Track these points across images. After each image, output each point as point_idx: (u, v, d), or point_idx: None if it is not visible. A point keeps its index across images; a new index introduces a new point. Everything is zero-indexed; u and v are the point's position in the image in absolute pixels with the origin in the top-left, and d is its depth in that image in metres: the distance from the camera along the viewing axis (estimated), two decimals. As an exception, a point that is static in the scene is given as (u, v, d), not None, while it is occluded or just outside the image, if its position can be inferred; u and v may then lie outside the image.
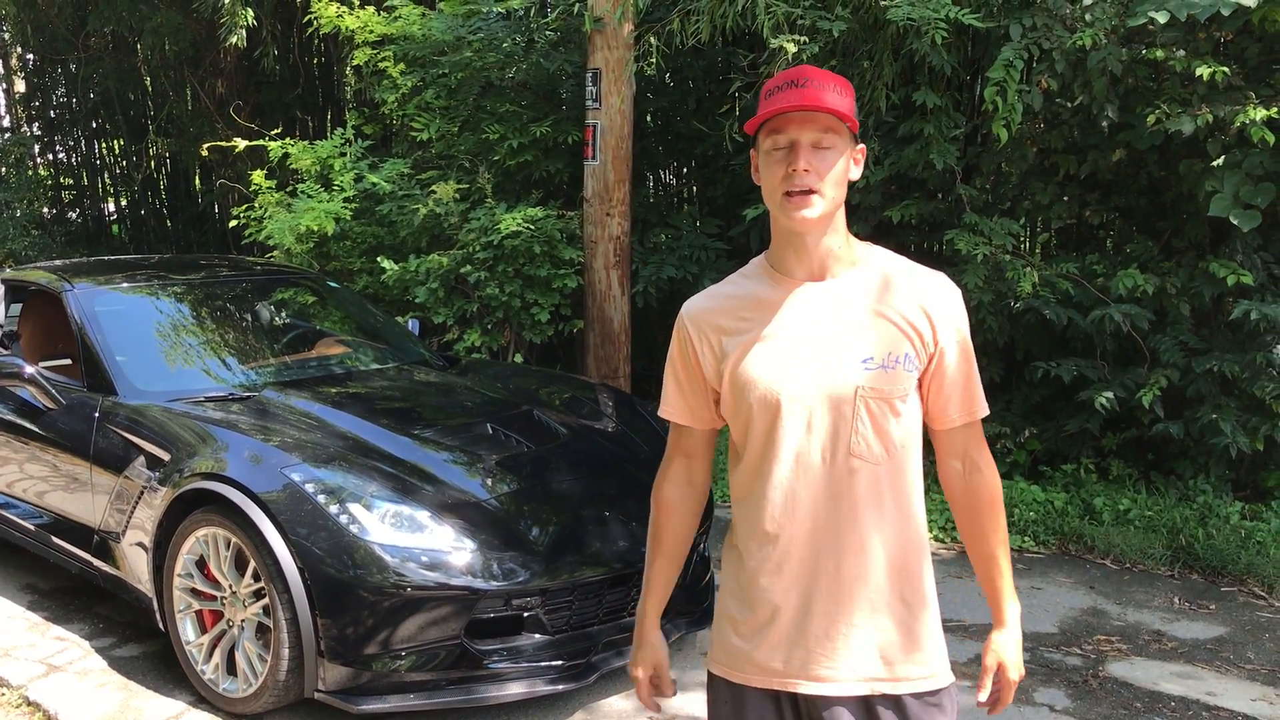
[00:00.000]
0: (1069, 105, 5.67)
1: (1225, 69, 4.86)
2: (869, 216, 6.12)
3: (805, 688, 1.92)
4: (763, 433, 1.92)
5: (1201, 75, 4.88)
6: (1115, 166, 5.75)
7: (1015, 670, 2.00)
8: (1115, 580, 5.04)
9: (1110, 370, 5.68)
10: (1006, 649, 2.00)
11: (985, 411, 1.99)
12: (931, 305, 1.90)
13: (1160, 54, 5.05)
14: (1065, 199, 6.00)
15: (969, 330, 1.97)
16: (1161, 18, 4.81)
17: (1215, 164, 5.04)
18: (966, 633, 4.34)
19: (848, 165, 1.90)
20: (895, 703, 1.91)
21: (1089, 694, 3.93)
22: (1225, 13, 4.70)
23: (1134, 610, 4.71)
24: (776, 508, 1.92)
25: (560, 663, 3.60)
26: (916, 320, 1.89)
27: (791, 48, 5.28)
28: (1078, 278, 5.66)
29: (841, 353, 1.88)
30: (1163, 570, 5.15)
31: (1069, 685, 4.00)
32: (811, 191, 1.84)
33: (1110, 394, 5.48)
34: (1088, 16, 5.15)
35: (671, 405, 2.08)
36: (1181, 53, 5.06)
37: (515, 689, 3.54)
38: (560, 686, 3.58)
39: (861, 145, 1.96)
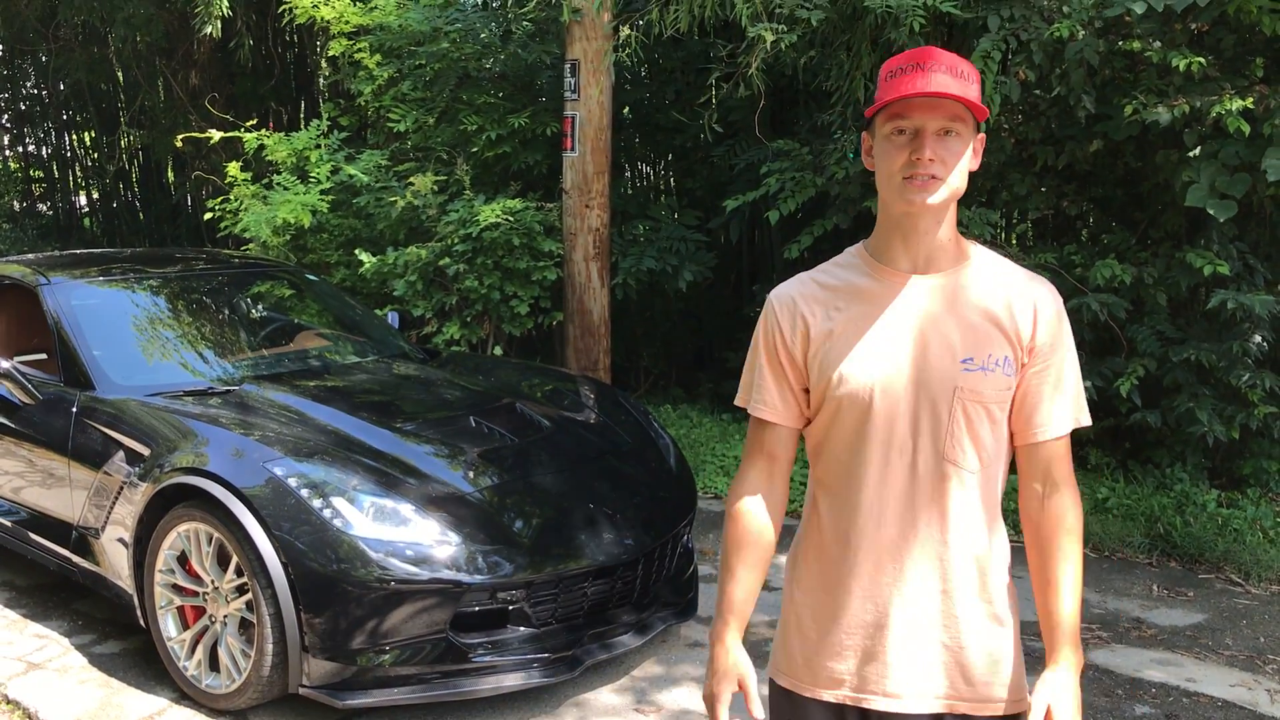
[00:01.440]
0: (1046, 96, 5.69)
1: (1201, 60, 4.89)
2: (848, 207, 6.14)
3: (878, 704, 1.84)
4: (850, 432, 1.83)
5: (1178, 66, 4.90)
6: (1092, 157, 5.78)
7: (1066, 713, 1.78)
8: (1094, 569, 5.07)
9: (1088, 359, 5.70)
10: (1059, 691, 1.78)
11: (1070, 427, 1.85)
12: (1035, 310, 1.81)
13: (1137, 45, 5.07)
14: (1043, 189, 6.02)
15: (1072, 339, 1.87)
16: (1139, 9, 4.84)
17: (1191, 154, 5.07)
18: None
19: (970, 154, 1.80)
20: None
21: (1070, 681, 3.96)
22: (1201, 4, 4.73)
23: (1114, 598, 4.74)
24: (860, 512, 1.82)
25: (546, 655, 3.59)
26: (1019, 323, 1.80)
27: (770, 36, 5.28)
28: (1056, 267, 5.69)
29: (941, 351, 1.79)
30: (1141, 558, 5.19)
31: (1051, 673, 4.02)
32: (934, 178, 1.75)
33: (1088, 383, 5.51)
34: (1065, 8, 5.17)
35: (755, 398, 1.93)
36: (1158, 44, 5.09)
37: (501, 682, 3.53)
38: (547, 679, 3.58)
39: (982, 134, 1.85)
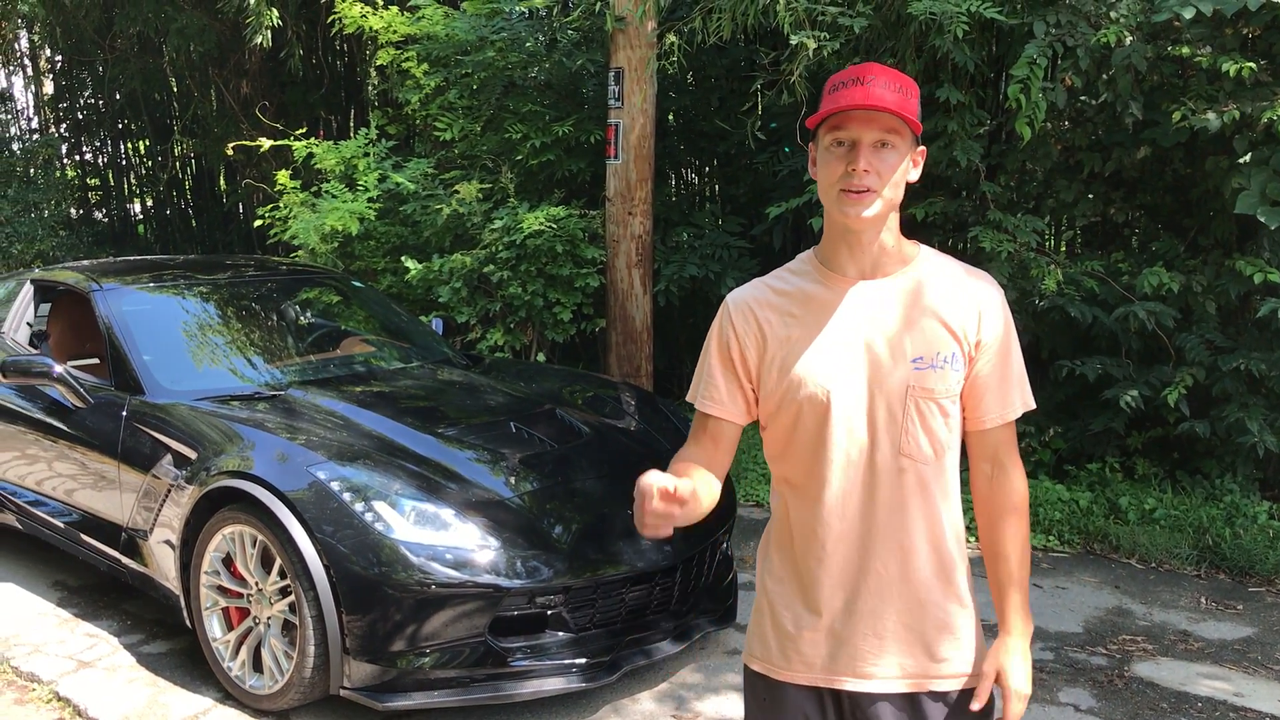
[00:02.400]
0: (1093, 102, 5.63)
1: (1252, 65, 4.82)
2: (892, 214, 6.10)
3: (850, 684, 1.93)
4: (811, 431, 1.91)
5: (1228, 71, 4.84)
6: (1140, 164, 5.71)
7: (1017, 679, 1.93)
8: (1141, 580, 5.01)
9: (1135, 369, 5.65)
10: (1009, 656, 1.95)
11: (1019, 412, 1.96)
12: (979, 306, 1.91)
13: (1186, 50, 5.01)
14: (1090, 196, 5.96)
15: (1014, 329, 1.96)
16: (1187, 13, 4.78)
17: (1242, 161, 5.00)
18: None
19: (907, 166, 1.88)
20: (941, 697, 1.92)
21: (1114, 694, 3.91)
22: (1252, 8, 4.66)
23: (1160, 610, 4.68)
24: (824, 507, 1.91)
25: (584, 660, 3.61)
26: (964, 320, 1.89)
27: (812, 44, 5.27)
28: (1102, 275, 5.63)
29: (892, 352, 1.88)
30: (1189, 570, 5.11)
31: (1094, 685, 3.98)
32: (870, 191, 1.82)
33: (1135, 392, 5.44)
34: (1112, 13, 5.12)
35: (703, 394, 2.02)
36: (1208, 49, 5.02)
37: (540, 686, 3.55)
38: (584, 684, 3.59)
39: (922, 147, 1.93)
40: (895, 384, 1.87)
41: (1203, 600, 4.79)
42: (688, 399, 2.07)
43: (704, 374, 2.03)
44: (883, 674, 1.92)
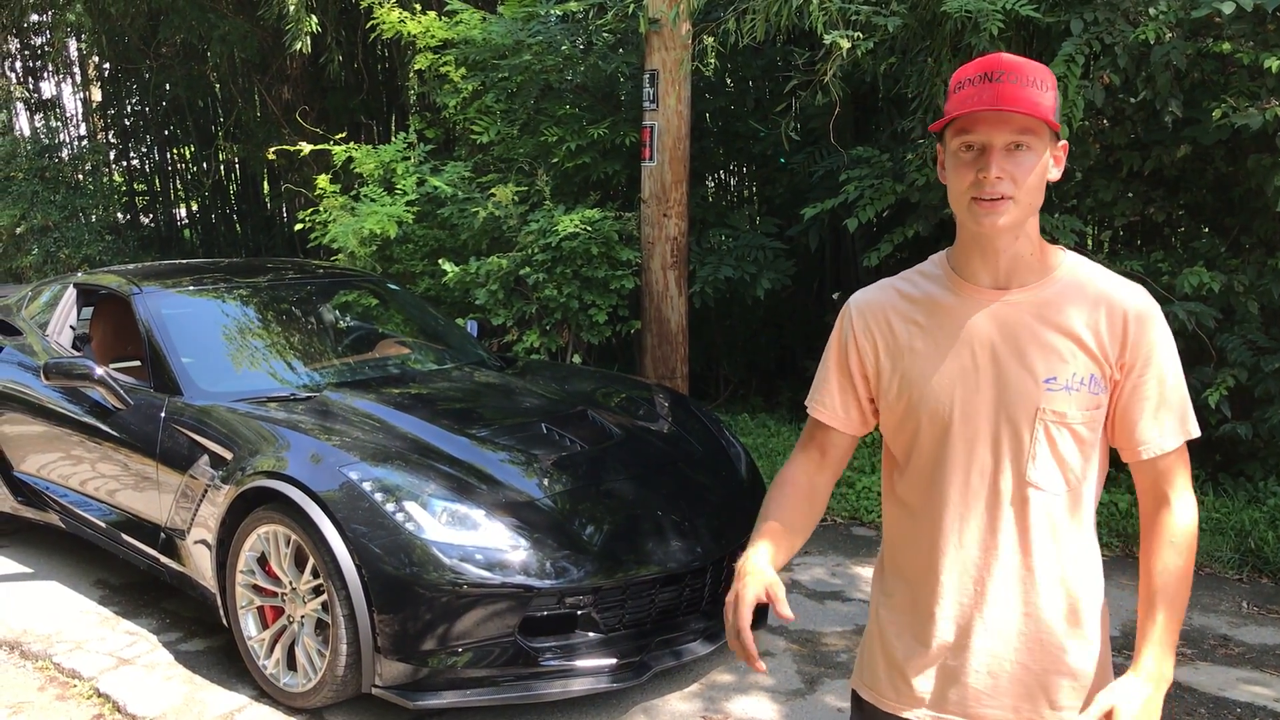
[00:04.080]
0: (1132, 101, 5.56)
1: (1295, 61, 4.75)
2: (929, 214, 6.07)
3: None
4: (931, 451, 1.80)
5: (1271, 68, 4.76)
6: (1180, 162, 5.63)
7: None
8: (1181, 583, 4.93)
9: (1175, 369, 5.56)
10: (1126, 697, 1.69)
11: (1176, 442, 1.76)
12: (1125, 323, 1.73)
13: (1227, 46, 4.94)
14: (1129, 196, 5.89)
15: (1172, 347, 1.76)
16: (1227, 9, 4.72)
17: (1285, 158, 4.93)
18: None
19: (1046, 166, 1.73)
20: None
21: (1151, 699, 3.86)
22: (1294, 3, 4.59)
23: (1199, 614, 4.61)
24: (941, 534, 1.80)
25: (614, 661, 3.62)
26: (1105, 339, 1.73)
27: (846, 44, 5.25)
28: (1142, 276, 5.55)
29: (1022, 371, 1.74)
30: (1230, 574, 5.04)
31: (1131, 690, 3.92)
32: (1004, 198, 1.69)
33: (1177, 394, 5.36)
34: (1151, 10, 5.06)
35: (822, 404, 1.93)
36: (1250, 45, 4.95)
37: (569, 686, 3.57)
38: (614, 684, 3.60)
39: (1064, 141, 1.77)
40: (1024, 405, 1.73)
41: (1244, 605, 4.72)
42: (805, 403, 1.97)
43: (820, 378, 1.94)
44: (995, 717, 1.80)
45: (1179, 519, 1.76)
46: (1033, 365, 1.74)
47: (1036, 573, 1.77)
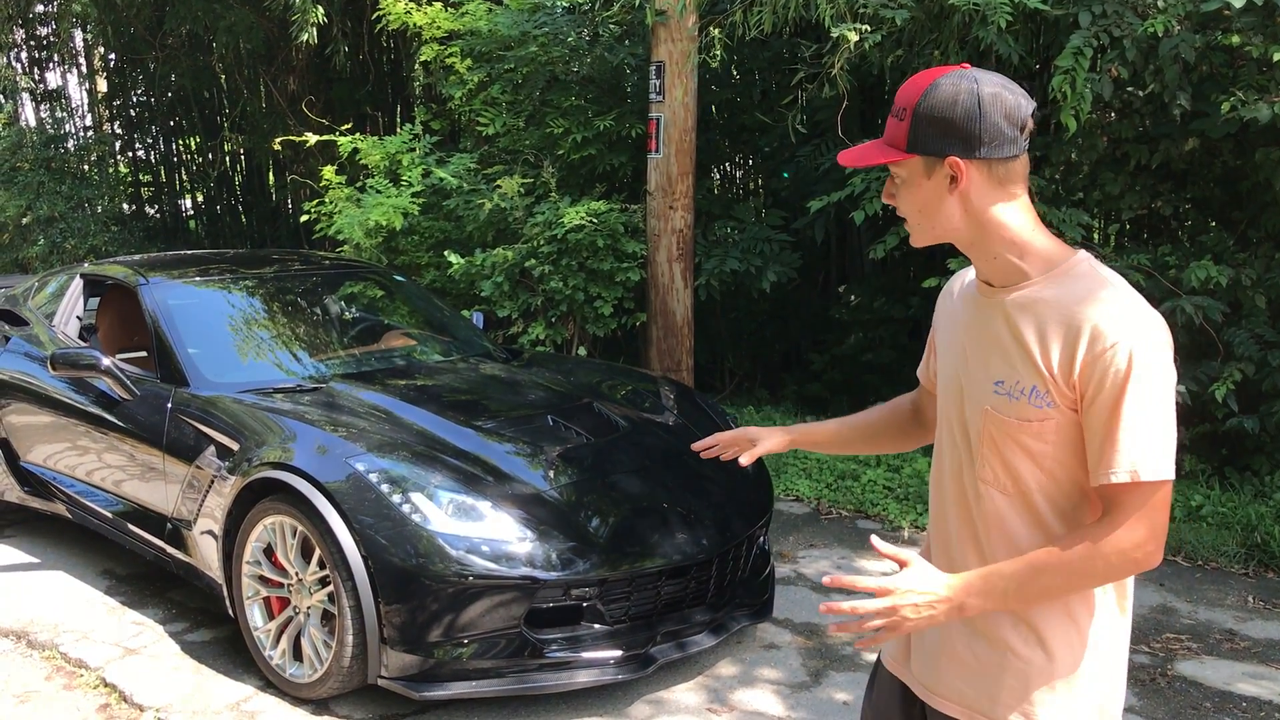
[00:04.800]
0: (1140, 94, 5.55)
1: (1304, 54, 4.73)
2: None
3: (920, 692, 1.91)
4: (937, 438, 1.94)
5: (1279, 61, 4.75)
6: (1188, 156, 5.62)
7: (902, 598, 1.64)
8: (1186, 578, 4.94)
9: (1183, 363, 5.55)
10: (918, 580, 1.66)
11: (1119, 478, 1.61)
12: (1085, 347, 1.62)
13: (1236, 39, 4.92)
14: (1137, 189, 5.88)
15: (1150, 381, 1.60)
16: (1237, 2, 4.69)
17: (1293, 152, 4.91)
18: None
19: (932, 190, 1.70)
20: None
21: (1157, 693, 3.86)
22: (1304, -4, 4.57)
23: (1205, 609, 4.61)
24: (932, 509, 1.93)
25: (619, 653, 3.62)
26: (1058, 358, 1.65)
27: (853, 36, 5.24)
28: (1149, 269, 5.55)
29: (978, 369, 1.77)
30: (1236, 569, 5.03)
31: (1136, 684, 3.93)
32: (908, 221, 1.79)
33: (1183, 388, 5.35)
34: (1160, 2, 5.04)
35: (922, 362, 2.13)
36: (1259, 38, 4.93)
37: (574, 678, 3.57)
38: (620, 676, 3.61)
39: (950, 156, 1.66)
40: (976, 402, 1.77)
41: (1250, 599, 4.71)
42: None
43: (928, 346, 2.11)
44: (942, 694, 1.84)
45: (1110, 538, 1.62)
46: (987, 366, 1.75)
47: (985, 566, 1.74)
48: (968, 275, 1.89)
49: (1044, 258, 1.71)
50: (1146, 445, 1.60)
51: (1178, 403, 5.30)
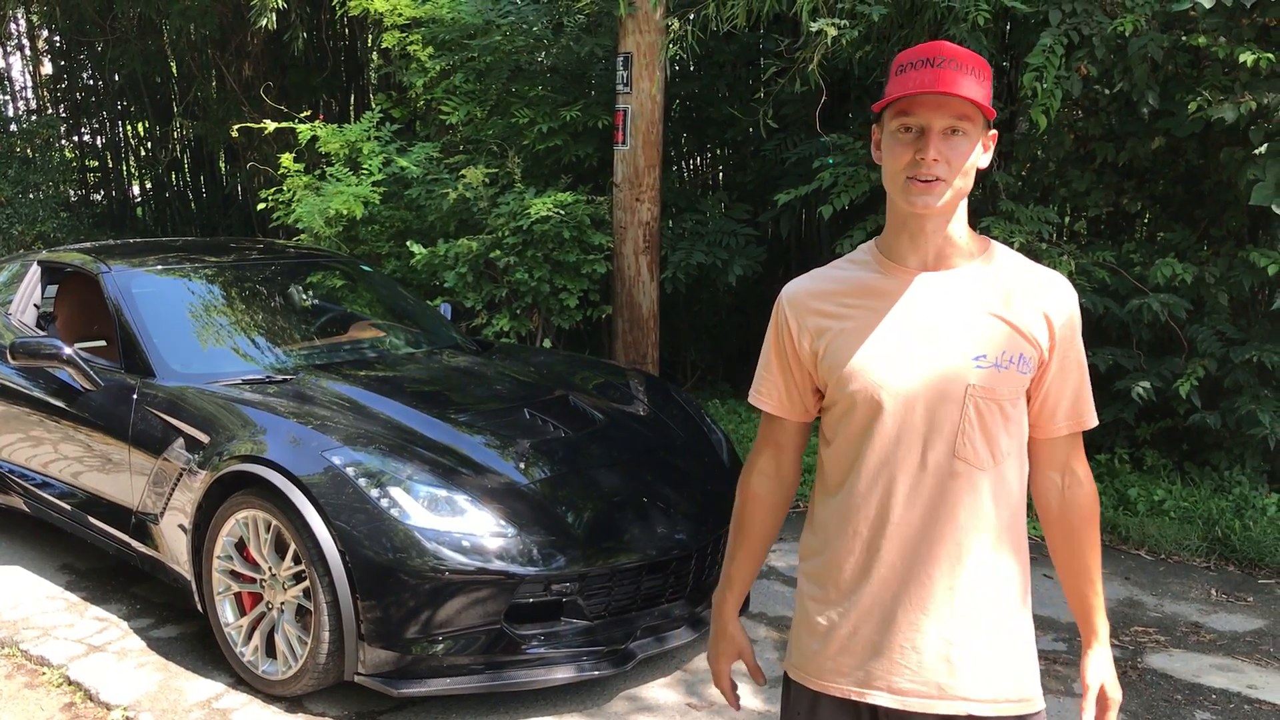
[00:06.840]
0: (1108, 92, 5.61)
1: (1270, 55, 4.80)
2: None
3: (885, 700, 1.81)
4: (860, 427, 1.81)
5: (1245, 62, 4.81)
6: (1154, 154, 5.69)
7: (1115, 689, 1.89)
8: (1151, 571, 5.01)
9: (1147, 360, 5.63)
10: (1106, 667, 1.89)
11: (1094, 422, 1.87)
12: (1051, 308, 1.80)
13: (1202, 40, 4.98)
14: (1102, 186, 5.94)
15: (1082, 335, 1.86)
16: (1205, 3, 4.75)
17: (1257, 152, 4.97)
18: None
19: (979, 153, 1.78)
20: None
21: (1129, 685, 3.90)
22: (1270, -2, 4.64)
23: (1171, 602, 4.68)
24: (870, 508, 1.81)
25: (599, 648, 3.59)
26: (1035, 322, 1.79)
27: (832, 31, 5.23)
28: (1114, 266, 5.61)
29: (953, 348, 1.77)
30: (1199, 562, 5.11)
31: (1108, 676, 3.97)
32: (939, 180, 1.73)
33: (1147, 384, 5.43)
34: (1128, 2, 5.09)
35: (764, 393, 1.97)
36: (1224, 39, 4.99)
37: (554, 674, 3.54)
38: (599, 672, 3.58)
39: (993, 131, 1.83)
40: (954, 382, 1.76)
41: (1213, 592, 4.79)
42: (750, 399, 2.00)
43: (760, 371, 1.98)
44: (922, 692, 1.79)
45: (1093, 494, 1.90)
46: (962, 342, 1.78)
47: (964, 547, 1.78)
48: (817, 280, 1.93)
49: (978, 239, 1.87)
50: (1089, 394, 1.88)
51: (1142, 399, 5.41)
